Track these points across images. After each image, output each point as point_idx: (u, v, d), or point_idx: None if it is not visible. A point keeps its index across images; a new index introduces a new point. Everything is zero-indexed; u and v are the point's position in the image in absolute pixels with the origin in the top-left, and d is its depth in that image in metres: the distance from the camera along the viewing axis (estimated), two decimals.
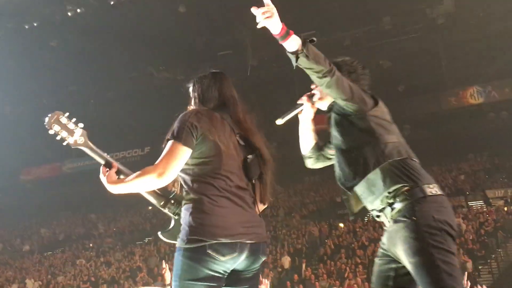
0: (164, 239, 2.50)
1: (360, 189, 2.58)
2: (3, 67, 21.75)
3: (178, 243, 2.26)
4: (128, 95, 25.73)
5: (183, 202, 2.34)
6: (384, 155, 2.52)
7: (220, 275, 2.24)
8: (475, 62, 22.57)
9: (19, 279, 19.69)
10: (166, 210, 2.50)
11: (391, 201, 2.47)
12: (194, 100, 2.51)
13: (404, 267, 2.45)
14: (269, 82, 24.17)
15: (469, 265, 13.85)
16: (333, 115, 2.74)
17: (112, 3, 20.52)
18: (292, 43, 2.38)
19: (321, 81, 2.48)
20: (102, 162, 2.42)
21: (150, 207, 26.09)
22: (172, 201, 2.48)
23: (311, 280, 14.61)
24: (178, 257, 2.23)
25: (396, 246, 2.44)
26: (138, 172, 2.24)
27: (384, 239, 2.61)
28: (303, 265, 15.72)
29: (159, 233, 2.51)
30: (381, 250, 2.65)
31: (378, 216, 2.60)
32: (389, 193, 2.47)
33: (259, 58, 23.01)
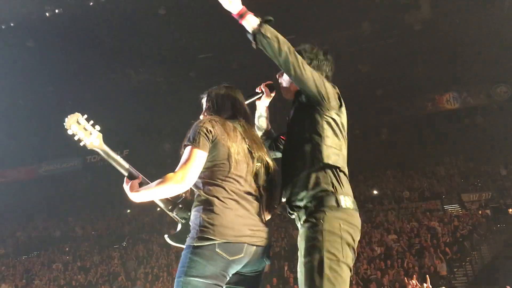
0: (171, 243, 2.52)
1: (287, 180, 2.58)
2: None
3: (188, 241, 2.31)
4: (106, 97, 25.40)
5: (194, 203, 2.40)
6: (321, 157, 2.49)
7: (224, 275, 2.29)
8: (451, 68, 22.98)
9: None
10: (173, 214, 2.54)
11: (309, 204, 2.46)
12: (208, 109, 2.61)
13: None
14: (250, 85, 24.13)
15: (441, 267, 14.05)
16: (297, 102, 2.72)
17: (91, 4, 20.28)
18: (250, 22, 2.43)
19: (282, 63, 2.47)
20: (117, 166, 2.47)
21: (128, 211, 25.81)
22: (180, 206, 2.53)
23: (290, 283, 14.64)
24: (186, 255, 2.28)
25: (300, 247, 2.44)
26: (159, 180, 2.30)
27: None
28: (285, 268, 15.75)
29: (166, 236, 2.54)
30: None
31: (290, 214, 2.60)
32: (311, 196, 2.46)
33: (239, 62, 23.01)
